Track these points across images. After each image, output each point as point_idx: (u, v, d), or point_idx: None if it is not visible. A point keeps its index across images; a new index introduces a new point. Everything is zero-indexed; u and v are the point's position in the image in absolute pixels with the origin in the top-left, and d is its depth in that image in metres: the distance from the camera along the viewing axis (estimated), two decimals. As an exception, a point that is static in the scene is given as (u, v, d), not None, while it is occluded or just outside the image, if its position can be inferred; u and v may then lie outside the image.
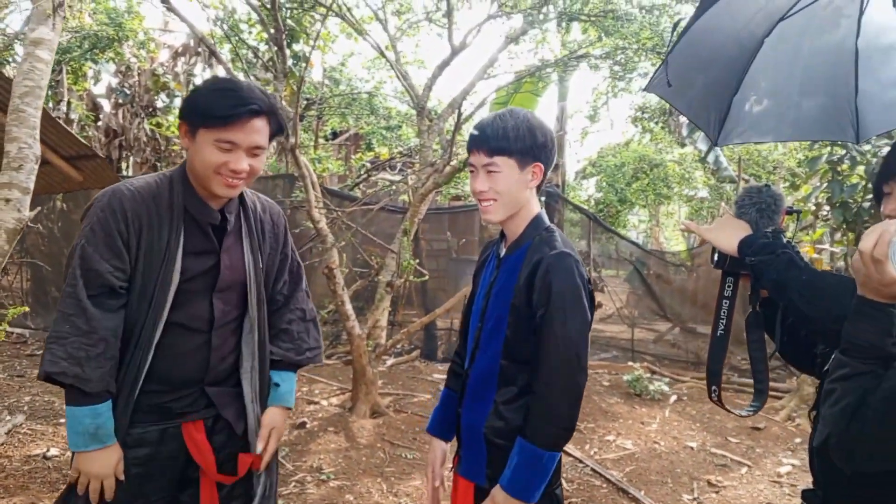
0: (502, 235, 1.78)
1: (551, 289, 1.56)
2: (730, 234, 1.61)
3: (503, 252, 1.76)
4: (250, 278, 1.73)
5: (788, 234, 1.61)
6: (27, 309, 6.01)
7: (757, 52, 2.09)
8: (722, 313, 1.68)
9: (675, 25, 1.99)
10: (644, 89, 2.17)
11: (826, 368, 1.26)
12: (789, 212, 1.68)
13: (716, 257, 1.67)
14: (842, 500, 1.33)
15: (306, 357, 1.89)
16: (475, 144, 1.65)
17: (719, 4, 1.88)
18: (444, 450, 1.91)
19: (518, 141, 1.61)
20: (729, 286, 1.68)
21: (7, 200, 2.67)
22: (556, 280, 1.57)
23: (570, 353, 1.56)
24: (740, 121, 2.20)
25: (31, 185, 2.72)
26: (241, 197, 1.75)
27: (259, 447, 1.76)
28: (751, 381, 1.70)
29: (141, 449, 1.62)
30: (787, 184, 9.30)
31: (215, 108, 1.50)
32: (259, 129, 1.56)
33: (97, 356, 1.51)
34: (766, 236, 1.56)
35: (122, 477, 1.57)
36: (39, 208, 2.77)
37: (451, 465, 1.88)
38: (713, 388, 1.68)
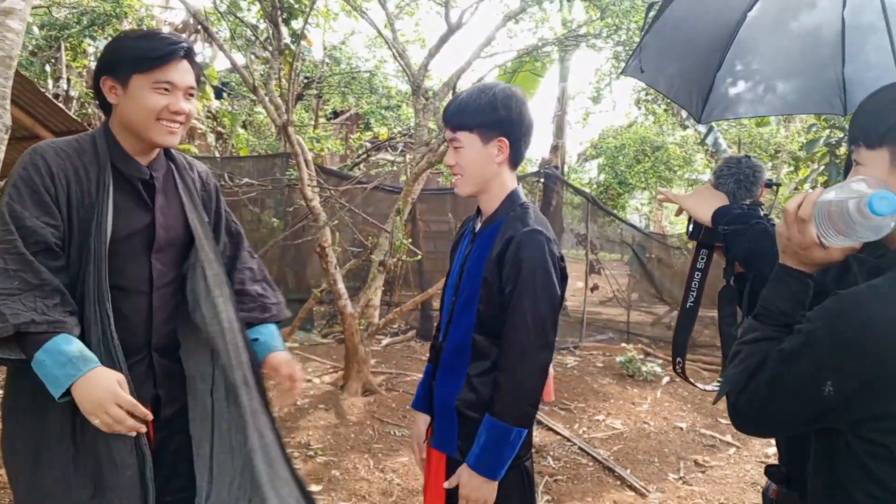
0: (478, 211, 1.79)
1: (521, 265, 1.57)
2: (706, 204, 1.59)
3: (478, 227, 1.76)
4: (198, 234, 1.68)
5: (775, 207, 1.60)
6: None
7: (740, 26, 2.06)
8: (693, 285, 1.67)
9: (650, 7, 1.93)
10: (621, 73, 2.15)
11: None
12: (768, 184, 1.67)
13: (691, 227, 1.66)
14: (803, 476, 1.34)
15: (272, 314, 1.81)
16: (443, 120, 1.70)
17: None
18: (427, 422, 1.93)
19: (478, 115, 1.62)
20: (702, 258, 1.67)
21: (-24, 169, 2.66)
22: (527, 256, 1.58)
23: (537, 329, 1.57)
24: (724, 96, 2.17)
25: (1, 155, 2.71)
26: (170, 155, 1.73)
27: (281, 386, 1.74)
28: None
29: None
30: (791, 168, 9.20)
31: (149, 50, 1.52)
32: (190, 70, 1.60)
33: (55, 306, 1.40)
34: (741, 207, 1.54)
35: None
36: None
37: (424, 438, 1.89)
38: (678, 360, 1.68)
